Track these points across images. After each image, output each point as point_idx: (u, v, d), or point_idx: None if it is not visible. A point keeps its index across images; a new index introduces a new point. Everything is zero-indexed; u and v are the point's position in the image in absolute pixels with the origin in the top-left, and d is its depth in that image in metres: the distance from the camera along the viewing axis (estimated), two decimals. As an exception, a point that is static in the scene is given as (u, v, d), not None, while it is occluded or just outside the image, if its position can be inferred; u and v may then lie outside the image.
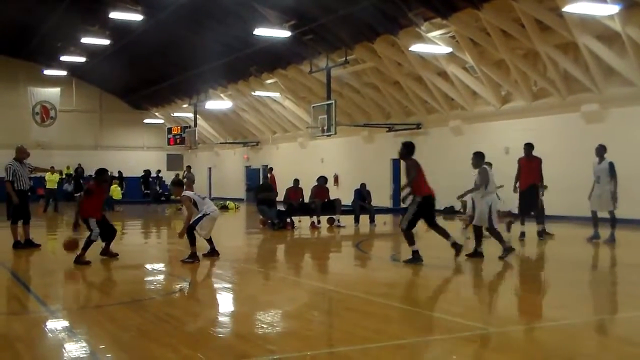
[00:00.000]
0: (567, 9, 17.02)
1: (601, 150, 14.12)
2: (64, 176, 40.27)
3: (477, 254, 11.30)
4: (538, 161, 14.75)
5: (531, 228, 14.78)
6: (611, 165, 13.94)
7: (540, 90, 22.27)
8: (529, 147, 14.84)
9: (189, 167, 33.01)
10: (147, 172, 37.84)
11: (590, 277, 10.78)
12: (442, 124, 25.73)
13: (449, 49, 21.99)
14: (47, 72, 36.97)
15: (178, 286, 9.49)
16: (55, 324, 7.05)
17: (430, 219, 11.03)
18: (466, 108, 24.68)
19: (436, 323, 6.95)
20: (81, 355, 5.83)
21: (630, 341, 6.21)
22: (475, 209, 11.73)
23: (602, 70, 19.59)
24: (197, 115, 38.83)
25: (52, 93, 40.44)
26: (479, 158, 11.77)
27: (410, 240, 10.82)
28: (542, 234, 14.66)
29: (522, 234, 14.64)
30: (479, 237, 11.40)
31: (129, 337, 6.38)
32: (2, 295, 9.05)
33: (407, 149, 11.36)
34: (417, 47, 22.00)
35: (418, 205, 10.82)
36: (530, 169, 14.63)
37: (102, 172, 12.08)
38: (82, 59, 32.73)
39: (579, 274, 10.52)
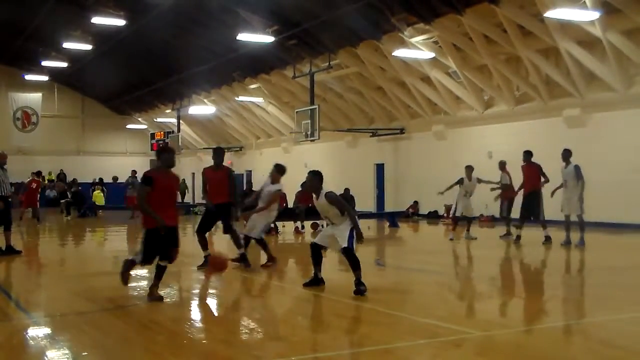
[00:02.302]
0: (549, 14, 17.16)
1: (566, 155, 14.32)
2: (46, 182, 39.98)
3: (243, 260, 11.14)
4: (537, 167, 15.05)
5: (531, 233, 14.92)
6: (577, 168, 14.11)
7: (522, 95, 22.41)
8: (527, 154, 15.18)
9: (133, 172, 30.44)
10: (134, 177, 37.56)
11: (568, 281, 10.86)
12: (426, 128, 25.81)
13: (432, 54, 22.08)
14: (28, 77, 36.72)
15: (162, 292, 9.43)
16: (37, 331, 6.99)
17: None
18: (449, 113, 24.78)
19: (421, 327, 6.95)
20: (64, 363, 5.79)
21: (611, 344, 6.25)
22: (253, 222, 11.41)
23: (584, 75, 19.76)
24: (181, 121, 38.71)
25: (33, 98, 40.18)
26: (279, 172, 11.49)
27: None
28: (548, 239, 14.57)
29: (518, 238, 14.80)
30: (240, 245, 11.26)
31: (112, 343, 6.33)
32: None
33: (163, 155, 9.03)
34: (400, 52, 22.07)
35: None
36: (530, 175, 14.90)
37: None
38: (64, 64, 32.53)
39: (557, 278, 10.59)
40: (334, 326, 7.07)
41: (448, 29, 20.97)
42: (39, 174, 24.50)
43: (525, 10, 18.86)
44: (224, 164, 11.36)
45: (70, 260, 14.48)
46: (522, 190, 15.29)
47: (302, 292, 9.43)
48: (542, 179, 14.92)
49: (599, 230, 16.73)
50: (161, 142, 40.91)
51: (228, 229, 11.20)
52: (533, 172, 14.95)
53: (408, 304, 8.63)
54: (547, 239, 14.53)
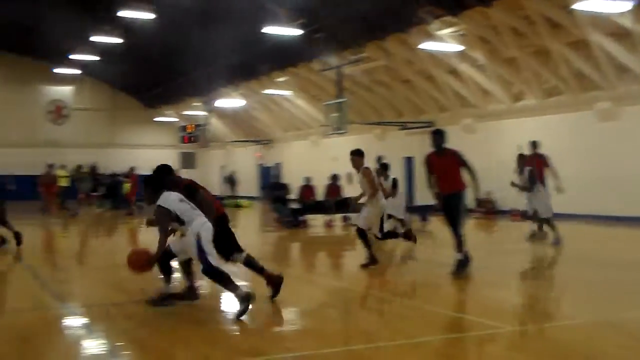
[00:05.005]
0: (577, 6, 16.87)
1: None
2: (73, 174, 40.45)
3: None
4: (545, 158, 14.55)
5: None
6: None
7: (552, 88, 22.19)
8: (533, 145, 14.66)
9: (79, 167, 29.40)
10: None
11: (597, 276, 10.77)
12: (454, 122, 25.64)
13: (460, 47, 21.95)
14: (60, 70, 37.12)
15: (196, 284, 9.55)
16: (73, 321, 7.14)
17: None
18: (478, 106, 24.64)
19: (452, 322, 6.98)
20: (100, 352, 5.92)
21: (644, 339, 6.23)
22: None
23: (615, 68, 19.49)
24: (209, 114, 38.94)
25: (64, 92, 40.74)
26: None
27: None
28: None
29: (535, 234, 14.63)
30: None
31: (146, 334, 6.45)
32: (21, 291, 9.16)
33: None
34: (428, 45, 21.95)
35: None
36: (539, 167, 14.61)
37: None
38: (95, 58, 32.81)
39: (585, 273, 10.51)
40: (364, 319, 7.12)
41: (475, 21, 20.84)
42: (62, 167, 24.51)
43: (553, 2, 18.64)
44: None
45: (101, 252, 14.70)
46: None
47: (333, 286, 9.50)
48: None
49: (626, 226, 16.56)
50: (191, 135, 41.23)
51: (452, 224, 9.78)
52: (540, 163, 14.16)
53: (439, 298, 8.64)
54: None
